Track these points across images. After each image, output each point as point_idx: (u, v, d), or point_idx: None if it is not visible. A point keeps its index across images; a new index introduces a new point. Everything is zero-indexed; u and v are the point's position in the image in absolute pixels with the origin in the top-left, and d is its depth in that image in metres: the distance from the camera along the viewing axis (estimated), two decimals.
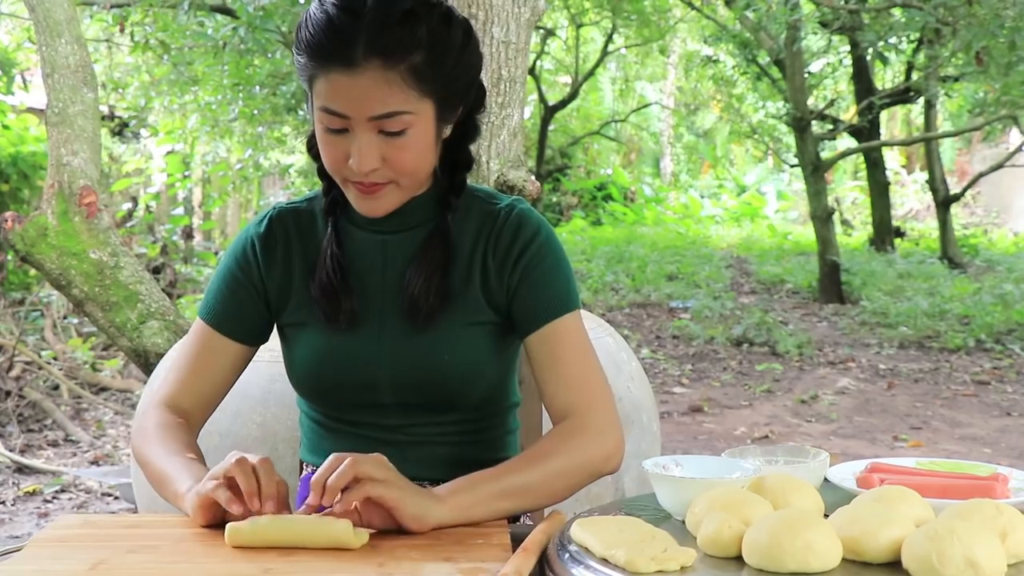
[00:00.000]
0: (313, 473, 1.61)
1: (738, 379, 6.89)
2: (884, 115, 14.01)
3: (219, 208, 12.37)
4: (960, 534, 1.02)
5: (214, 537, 1.26)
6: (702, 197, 19.05)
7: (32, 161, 8.25)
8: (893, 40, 9.34)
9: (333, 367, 1.50)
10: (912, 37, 9.83)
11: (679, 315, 9.10)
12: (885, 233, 12.17)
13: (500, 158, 3.02)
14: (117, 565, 1.17)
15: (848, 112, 13.25)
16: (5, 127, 8.31)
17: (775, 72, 11.35)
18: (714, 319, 8.78)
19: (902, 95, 11.30)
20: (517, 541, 1.22)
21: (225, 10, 6.98)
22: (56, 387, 5.89)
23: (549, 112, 14.47)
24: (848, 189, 18.14)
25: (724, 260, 12.39)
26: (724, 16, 11.80)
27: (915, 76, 10.95)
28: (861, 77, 11.32)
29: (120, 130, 11.33)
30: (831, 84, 13.52)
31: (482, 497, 1.33)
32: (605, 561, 1.09)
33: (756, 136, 12.83)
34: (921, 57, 10.58)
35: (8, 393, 5.55)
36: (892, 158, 17.81)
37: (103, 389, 5.99)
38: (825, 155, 10.98)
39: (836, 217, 11.20)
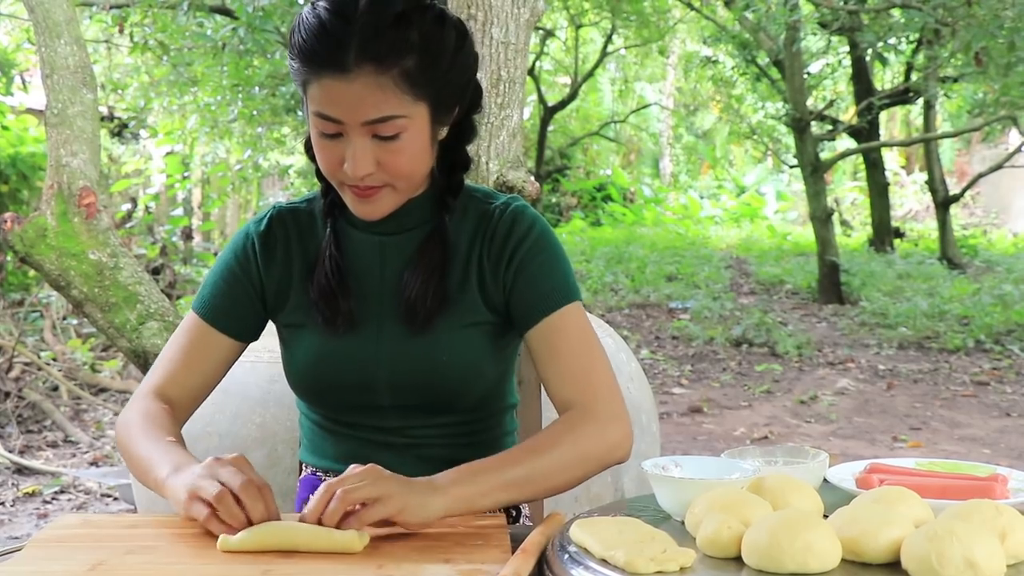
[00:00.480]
0: (313, 474, 1.61)
1: (737, 380, 6.89)
2: (883, 116, 14.01)
3: (218, 209, 12.36)
4: (959, 535, 1.02)
5: (213, 538, 1.25)
6: (701, 198, 19.05)
7: (31, 162, 8.25)
8: (892, 41, 9.33)
9: (331, 369, 1.49)
10: (911, 38, 9.83)
11: (678, 316, 9.10)
12: (884, 234, 12.17)
13: (499, 159, 3.02)
14: (116, 566, 1.17)
15: (847, 113, 13.26)
16: (4, 128, 8.31)
17: (774, 73, 11.35)
18: (713, 320, 8.78)
19: (901, 96, 11.30)
20: (516, 542, 1.22)
21: (224, 11, 6.98)
22: (55, 388, 5.89)
23: (548, 113, 14.47)
24: (847, 190, 18.14)
25: (723, 261, 12.39)
26: (723, 17, 11.80)
27: (914, 77, 10.95)
28: (860, 78, 11.32)
29: (119, 131, 11.33)
30: (830, 85, 13.53)
31: (485, 488, 1.32)
32: (604, 562, 1.09)
33: (755, 137, 12.83)
34: (920, 58, 10.58)
35: (7, 394, 5.55)
36: (891, 159, 17.82)
37: (102, 390, 5.99)
38: (824, 156, 10.99)
39: (835, 218, 11.20)
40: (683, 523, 1.22)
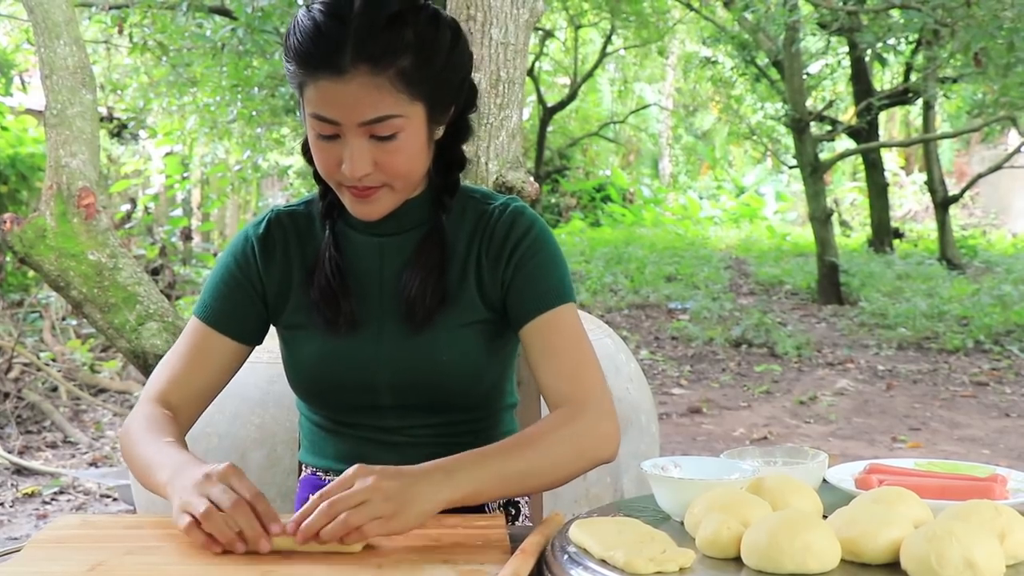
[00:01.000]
0: (313, 475, 1.61)
1: (737, 380, 6.89)
2: (883, 116, 14.02)
3: (218, 209, 12.36)
4: (959, 535, 1.02)
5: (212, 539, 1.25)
6: (701, 198, 19.05)
7: (31, 162, 8.25)
8: (892, 41, 9.34)
9: (332, 369, 1.50)
10: (911, 38, 9.83)
11: (678, 316, 9.10)
12: (884, 234, 12.17)
13: (499, 159, 3.02)
14: (115, 566, 1.17)
15: (847, 113, 13.25)
16: (4, 128, 8.31)
17: (774, 73, 11.35)
18: (713, 320, 8.78)
19: (901, 96, 11.30)
20: (516, 542, 1.22)
21: (223, 11, 6.97)
22: (55, 388, 5.89)
23: (548, 113, 14.48)
24: (847, 190, 18.14)
25: (723, 261, 12.39)
26: (723, 17, 11.81)
27: (914, 77, 10.95)
28: (860, 78, 11.32)
29: (119, 131, 11.33)
30: (830, 85, 13.53)
31: (482, 480, 1.31)
32: (604, 562, 1.09)
33: (755, 137, 12.83)
34: (920, 58, 10.59)
35: (7, 394, 5.55)
36: (891, 159, 17.82)
37: (102, 390, 5.99)
38: (824, 156, 10.98)
39: (835, 218, 11.20)
40: (682, 523, 1.22)
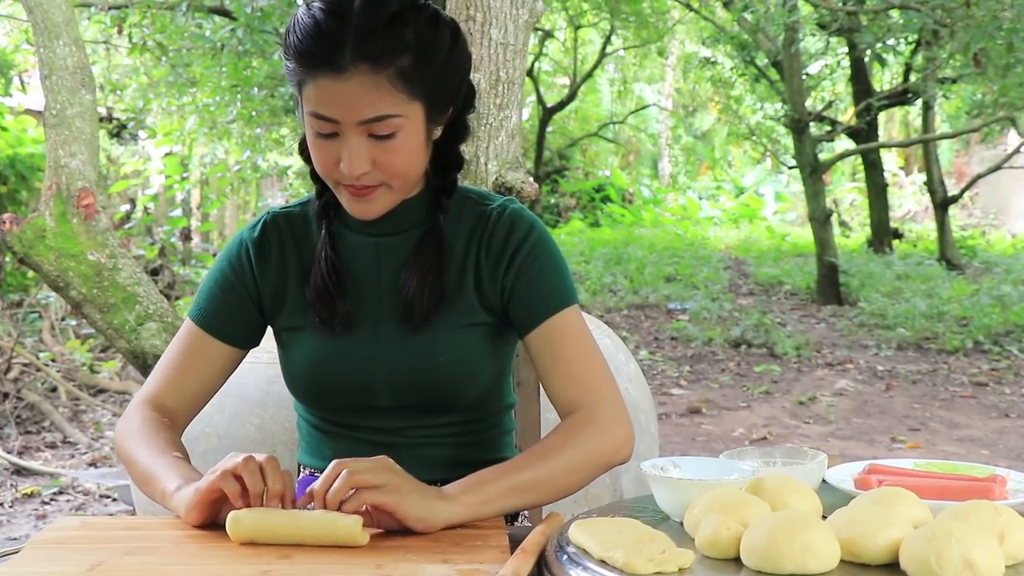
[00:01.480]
0: (311, 476, 1.61)
1: (736, 380, 6.89)
2: (882, 117, 14.02)
3: (217, 210, 12.36)
4: (958, 535, 1.02)
5: (212, 539, 1.26)
6: (700, 199, 19.05)
7: (30, 163, 8.25)
8: (891, 42, 9.35)
9: (329, 371, 1.49)
10: (910, 39, 9.83)
11: (677, 316, 9.10)
12: (883, 234, 12.17)
13: (498, 159, 3.02)
14: (115, 567, 1.17)
15: (846, 114, 13.26)
16: (3, 129, 8.31)
17: (773, 74, 11.36)
18: (712, 320, 8.78)
19: (900, 97, 11.31)
20: (515, 542, 1.22)
21: (223, 11, 6.97)
22: (54, 389, 5.89)
23: (547, 114, 14.48)
24: (846, 191, 18.15)
25: (722, 261, 12.39)
26: (722, 18, 11.81)
27: (913, 78, 10.95)
28: (859, 79, 11.33)
29: (118, 132, 11.33)
30: (829, 86, 13.53)
31: (492, 495, 1.33)
32: (603, 563, 1.09)
33: (754, 138, 12.83)
34: (919, 59, 10.59)
35: (6, 395, 5.55)
36: (890, 160, 17.82)
37: (101, 391, 5.99)
38: (823, 157, 10.98)
39: (834, 218, 11.20)
40: (682, 524, 1.22)
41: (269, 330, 1.59)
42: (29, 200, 8.22)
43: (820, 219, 9.67)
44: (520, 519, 1.62)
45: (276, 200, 12.37)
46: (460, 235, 1.51)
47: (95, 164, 3.61)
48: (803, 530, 1.06)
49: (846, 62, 11.72)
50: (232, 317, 1.53)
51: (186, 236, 9.48)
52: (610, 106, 18.29)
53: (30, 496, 4.36)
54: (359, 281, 1.51)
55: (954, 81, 10.27)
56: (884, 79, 13.55)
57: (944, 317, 8.64)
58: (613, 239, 13.92)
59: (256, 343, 1.57)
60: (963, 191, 12.28)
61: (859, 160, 13.84)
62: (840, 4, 8.53)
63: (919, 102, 11.63)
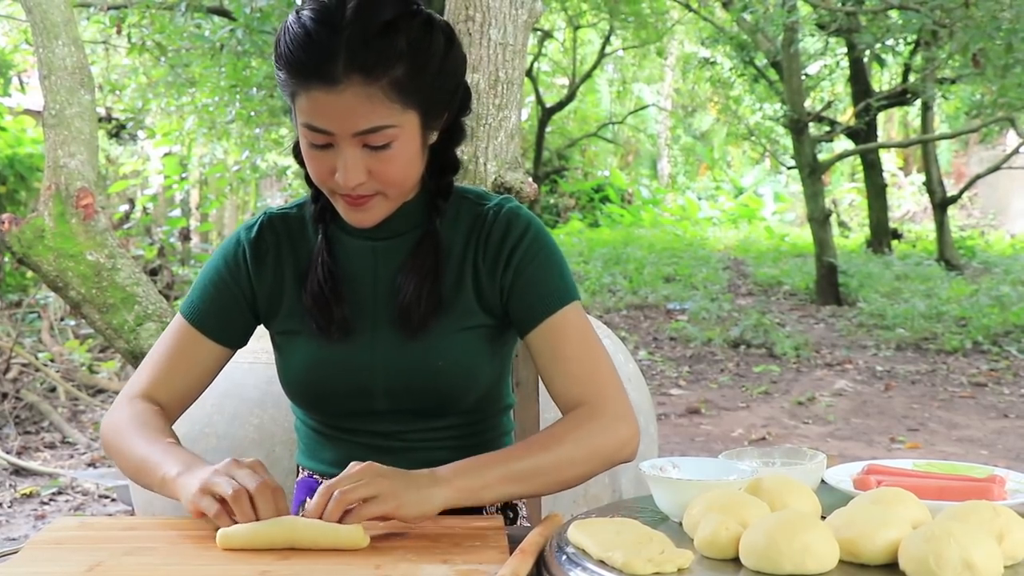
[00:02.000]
0: (310, 477, 1.61)
1: (735, 381, 6.90)
2: (881, 117, 14.02)
3: (216, 210, 12.35)
4: (957, 536, 1.02)
5: (211, 539, 1.25)
6: (699, 199, 19.06)
7: (29, 163, 8.25)
8: (890, 42, 9.35)
9: (326, 375, 1.49)
10: (909, 39, 9.83)
11: (676, 317, 9.10)
12: (882, 235, 12.18)
13: (497, 160, 3.02)
14: (114, 567, 1.17)
15: (845, 114, 13.26)
16: (2, 129, 8.31)
17: (772, 74, 11.36)
18: (711, 321, 8.78)
19: (899, 97, 11.31)
20: (514, 543, 1.22)
21: (222, 12, 6.97)
22: (53, 389, 5.89)
23: (547, 114, 14.48)
24: (845, 191, 18.15)
25: (721, 262, 12.40)
26: (721, 18, 11.81)
27: (912, 78, 10.96)
28: (858, 79, 11.33)
29: (117, 132, 11.32)
30: (828, 86, 13.54)
31: (490, 480, 1.33)
32: (602, 563, 1.09)
33: (753, 138, 12.84)
34: (918, 59, 10.59)
35: (5, 395, 5.55)
36: (889, 160, 17.83)
37: (100, 391, 5.99)
38: (822, 157, 10.99)
39: (833, 219, 11.20)
40: (681, 524, 1.22)
41: (267, 331, 1.59)
42: (28, 200, 8.22)
43: (819, 219, 9.67)
44: (519, 519, 1.62)
45: (275, 200, 12.36)
46: (458, 236, 1.50)
47: (94, 164, 3.61)
48: (802, 530, 1.06)
49: (845, 62, 11.73)
50: (225, 317, 1.52)
51: (185, 236, 9.48)
52: (609, 106, 18.30)
53: (29, 496, 4.36)
54: (356, 285, 1.50)
55: (953, 81, 10.28)
56: (883, 79, 13.55)
57: (943, 317, 8.65)
58: (612, 239, 13.92)
59: (246, 342, 1.57)
60: (962, 191, 12.29)
61: (858, 160, 13.84)
62: (839, 4, 8.53)
63: (918, 102, 11.64)
